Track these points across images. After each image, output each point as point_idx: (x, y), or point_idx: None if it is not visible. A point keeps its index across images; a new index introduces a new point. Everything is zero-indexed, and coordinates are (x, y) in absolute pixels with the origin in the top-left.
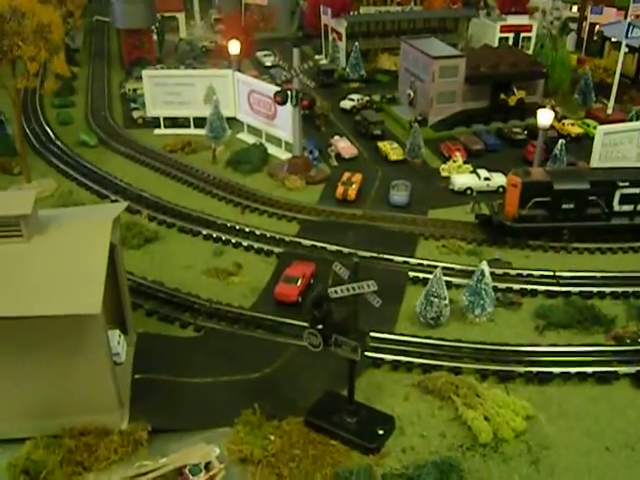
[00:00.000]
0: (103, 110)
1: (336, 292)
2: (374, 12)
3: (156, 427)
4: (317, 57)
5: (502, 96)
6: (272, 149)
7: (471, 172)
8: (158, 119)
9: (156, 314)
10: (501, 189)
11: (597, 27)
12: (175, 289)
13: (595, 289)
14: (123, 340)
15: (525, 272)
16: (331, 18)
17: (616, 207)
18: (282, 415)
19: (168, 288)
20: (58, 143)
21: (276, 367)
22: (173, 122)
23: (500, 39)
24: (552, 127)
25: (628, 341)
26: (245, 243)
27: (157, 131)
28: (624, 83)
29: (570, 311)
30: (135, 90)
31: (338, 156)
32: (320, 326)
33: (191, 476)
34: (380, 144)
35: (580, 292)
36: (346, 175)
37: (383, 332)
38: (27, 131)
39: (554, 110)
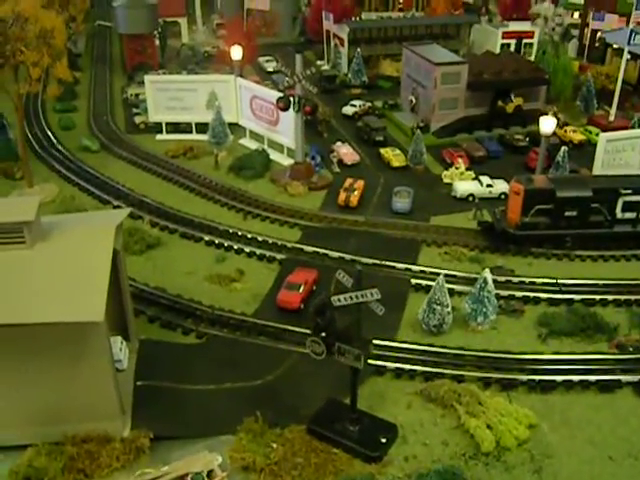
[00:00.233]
0: (105, 115)
1: (339, 300)
2: (376, 18)
3: (158, 434)
4: (319, 63)
5: (500, 103)
6: (274, 155)
7: (473, 179)
8: (160, 124)
9: (158, 321)
10: (503, 196)
11: (599, 34)
12: (177, 295)
13: (598, 297)
14: (125, 347)
15: (528, 280)
16: (333, 24)
17: (619, 215)
18: (284, 423)
19: (170, 294)
20: (60, 148)
21: (278, 374)
22: (175, 127)
23: (502, 45)
24: (554, 134)
25: (631, 349)
26: (247, 249)
27: (159, 136)
28: (626, 90)
29: (573, 319)
30: (137, 95)
31: (340, 162)
32: (323, 334)
33: None
34: (382, 150)
35: (583, 300)
36: (348, 181)
37: (385, 340)
38: (29, 136)
39: (556, 117)
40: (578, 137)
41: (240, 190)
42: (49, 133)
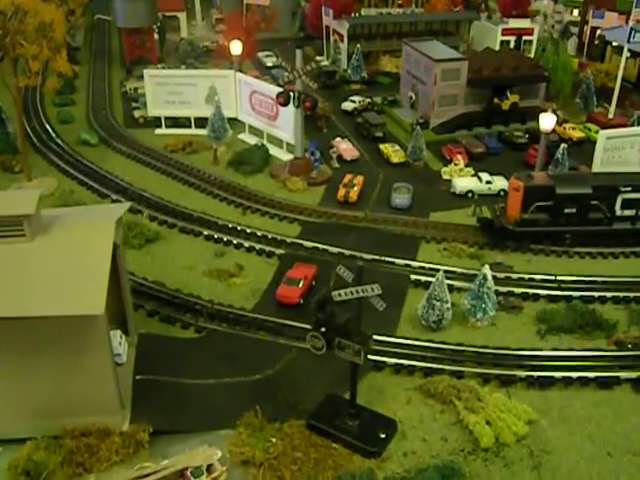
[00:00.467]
0: (104, 109)
1: (340, 295)
2: (375, 14)
3: (157, 429)
4: (318, 58)
5: (495, 100)
6: (273, 150)
7: (473, 175)
8: (159, 119)
9: (157, 315)
10: (502, 193)
11: (598, 31)
12: (176, 290)
13: (596, 294)
14: (124, 341)
15: (527, 276)
16: (332, 19)
17: (618, 212)
18: (284, 418)
19: (169, 289)
20: (59, 142)
21: (278, 369)
22: (174, 122)
23: (501, 42)
24: (553, 131)
25: (630, 346)
26: (246, 244)
27: (158, 131)
28: (625, 88)
29: (572, 316)
30: (136, 89)
31: (340, 158)
32: (323, 329)
33: (193, 478)
34: (382, 146)
35: (581, 297)
36: (348, 177)
37: (385, 335)
38: (28, 129)
39: (555, 114)
40: (577, 134)
41: (239, 185)
42: (48, 127)
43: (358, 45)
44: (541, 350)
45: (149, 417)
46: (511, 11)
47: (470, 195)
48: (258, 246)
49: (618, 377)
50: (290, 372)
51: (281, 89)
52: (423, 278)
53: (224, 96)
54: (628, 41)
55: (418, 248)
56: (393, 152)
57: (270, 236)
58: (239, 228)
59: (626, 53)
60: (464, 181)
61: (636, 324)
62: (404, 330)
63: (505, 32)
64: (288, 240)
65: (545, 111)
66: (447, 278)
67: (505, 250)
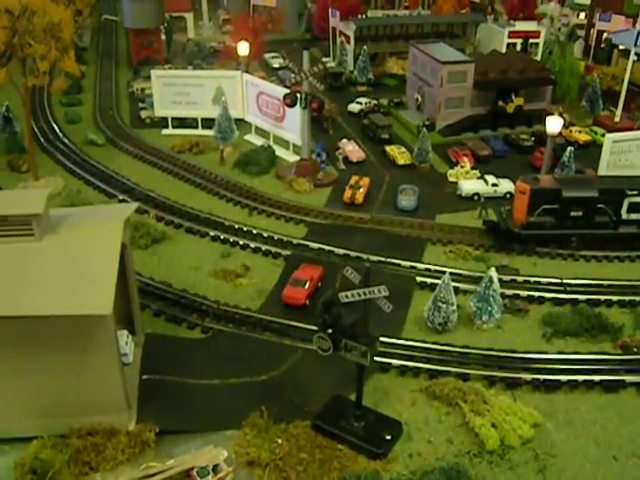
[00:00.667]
0: (111, 109)
1: (347, 296)
2: (382, 16)
3: (163, 428)
4: (325, 60)
5: (500, 103)
6: (280, 151)
7: (479, 178)
8: (166, 119)
9: (164, 315)
10: (508, 195)
11: (605, 34)
12: (183, 290)
13: (602, 297)
14: (131, 341)
15: (532, 279)
16: (339, 21)
17: (624, 215)
18: (289, 418)
19: (176, 289)
20: (66, 141)
21: (283, 370)
22: (181, 122)
23: (508, 45)
24: (560, 134)
25: (635, 350)
26: (253, 245)
27: (165, 131)
28: (632, 91)
29: (577, 319)
30: (143, 90)
31: (346, 159)
32: (330, 330)
33: (199, 478)
34: (388, 148)
35: (587, 300)
36: (354, 178)
37: (390, 337)
38: (35, 129)
39: (562, 117)
40: (583, 137)
41: (246, 186)
42: (55, 126)
43: (364, 47)
44: (547, 353)
45: (155, 417)
46: (518, 14)
47: (476, 198)
48: (264, 247)
49: (624, 381)
50: (296, 373)
51: (288, 90)
52: (429, 280)
53: (231, 97)
54: (635, 44)
55: (424, 250)
56: (399, 154)
57: (276, 237)
58: (245, 229)
59: (633, 56)
60: (470, 183)
61: None
62: (410, 332)
63: (512, 35)
64: (294, 241)
65: (552, 114)
66: (453, 280)
67: (511, 253)
